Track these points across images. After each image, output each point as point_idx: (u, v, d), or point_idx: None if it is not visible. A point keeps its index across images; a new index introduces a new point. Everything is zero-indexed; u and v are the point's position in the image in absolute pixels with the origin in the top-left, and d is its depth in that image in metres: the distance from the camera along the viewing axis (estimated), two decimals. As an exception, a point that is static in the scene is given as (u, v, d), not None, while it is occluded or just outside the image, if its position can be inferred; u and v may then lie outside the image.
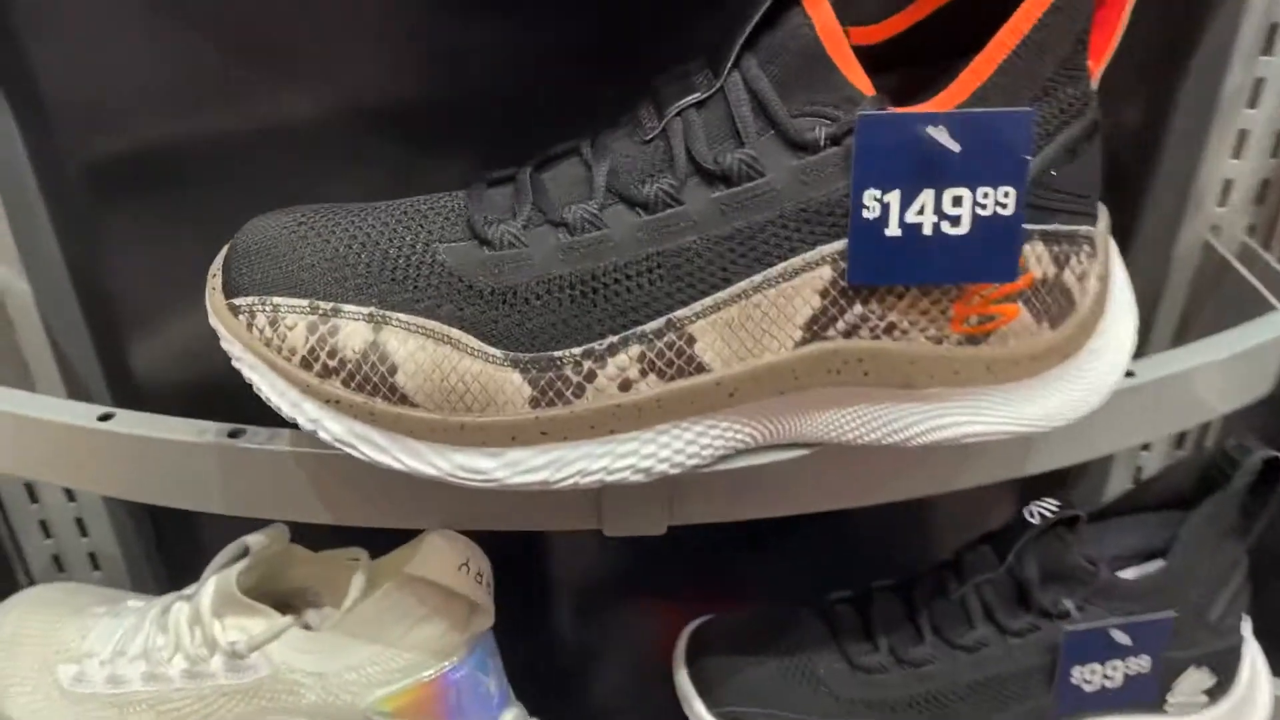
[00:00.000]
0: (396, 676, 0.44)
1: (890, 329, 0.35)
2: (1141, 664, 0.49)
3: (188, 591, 0.48)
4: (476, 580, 0.44)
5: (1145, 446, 0.61)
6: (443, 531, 0.44)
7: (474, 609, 0.45)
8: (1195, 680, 0.51)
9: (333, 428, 0.35)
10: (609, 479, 0.36)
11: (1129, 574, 0.51)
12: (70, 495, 0.56)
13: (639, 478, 0.36)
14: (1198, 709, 0.51)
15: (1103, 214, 0.38)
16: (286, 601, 0.48)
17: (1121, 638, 0.48)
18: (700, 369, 0.35)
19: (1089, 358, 0.38)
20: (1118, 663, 0.49)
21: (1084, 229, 0.37)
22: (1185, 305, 0.57)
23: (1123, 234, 0.47)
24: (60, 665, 0.48)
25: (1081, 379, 0.38)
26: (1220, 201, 0.56)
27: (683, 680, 0.52)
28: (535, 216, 0.35)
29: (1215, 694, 0.51)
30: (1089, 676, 0.49)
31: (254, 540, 0.46)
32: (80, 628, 0.50)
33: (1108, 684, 0.49)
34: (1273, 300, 0.51)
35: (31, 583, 0.56)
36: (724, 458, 0.38)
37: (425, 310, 0.34)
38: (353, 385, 0.34)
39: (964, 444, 0.38)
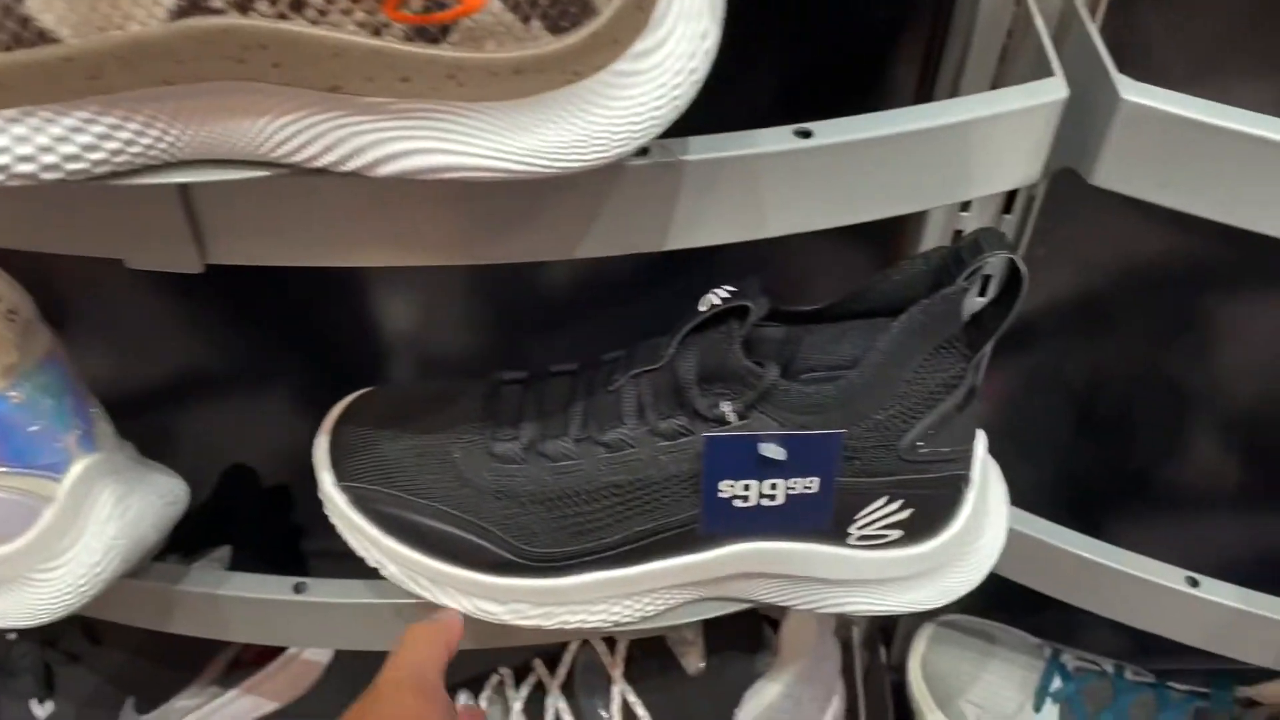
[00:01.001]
0: (-80, 402, 0.40)
1: (300, 6, 0.26)
2: (808, 485, 0.41)
3: None
4: (-11, 305, 0.38)
5: (965, 208, 0.50)
6: (-50, 245, 0.38)
7: (3, 340, 0.39)
8: (885, 513, 0.43)
9: None
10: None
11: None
12: None
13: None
14: (888, 545, 0.44)
15: None
16: None
17: (774, 452, 0.40)
18: (43, 37, 0.27)
19: (620, 80, 0.28)
20: (777, 481, 0.41)
21: None
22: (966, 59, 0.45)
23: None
24: None
25: (609, 108, 0.29)
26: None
27: (319, 448, 0.46)
28: None
29: (916, 533, 0.43)
30: (741, 492, 0.41)
31: None
32: None
33: (766, 503, 0.42)
34: (1053, 61, 0.39)
35: None
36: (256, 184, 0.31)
37: None
38: None
39: (452, 178, 0.29)
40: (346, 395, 0.68)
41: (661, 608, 0.46)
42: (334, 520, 0.45)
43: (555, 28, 0.27)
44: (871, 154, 0.37)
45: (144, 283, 0.64)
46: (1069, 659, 0.62)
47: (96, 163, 0.29)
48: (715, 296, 0.41)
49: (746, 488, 0.41)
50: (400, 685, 0.39)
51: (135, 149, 0.29)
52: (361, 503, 0.44)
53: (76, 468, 0.42)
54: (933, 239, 0.52)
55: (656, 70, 0.29)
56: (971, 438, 0.44)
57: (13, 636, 0.59)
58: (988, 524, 0.46)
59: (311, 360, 0.68)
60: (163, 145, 0.29)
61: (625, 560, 0.43)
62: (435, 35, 0.27)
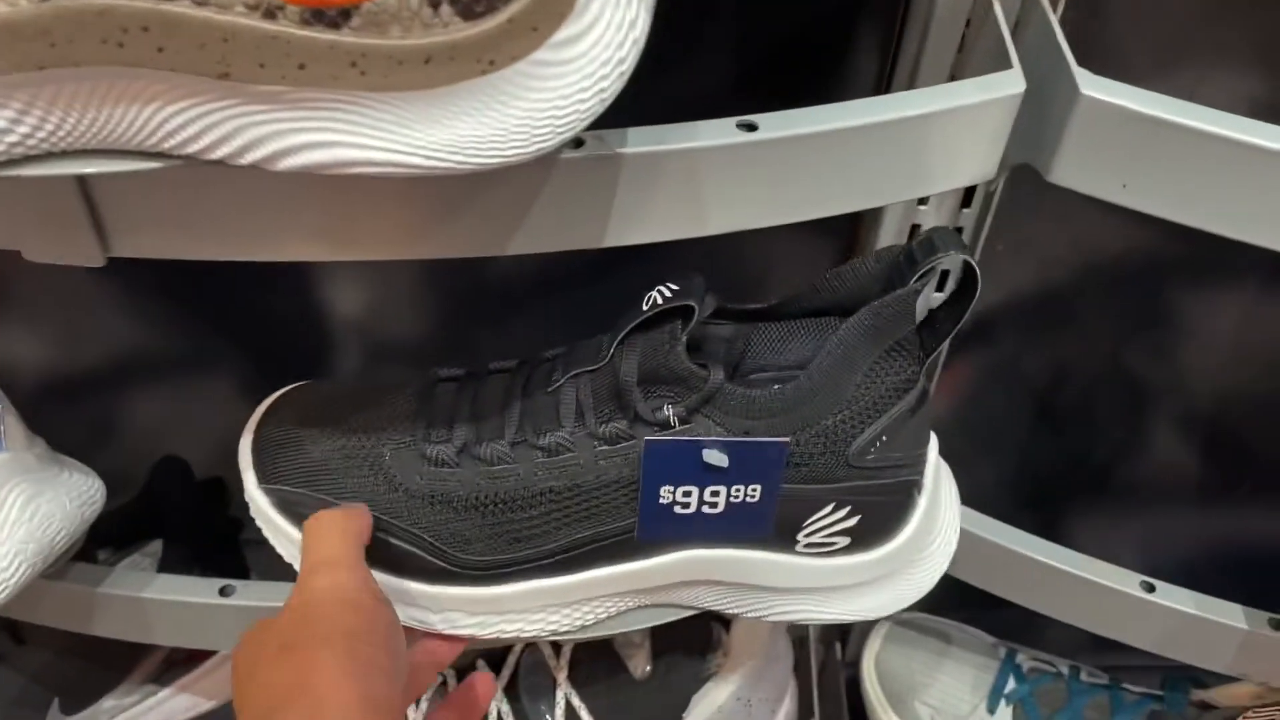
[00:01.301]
0: None
1: (185, -15, 0.24)
2: (751, 492, 0.39)
3: None
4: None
5: (923, 202, 0.49)
6: None
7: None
8: (832, 521, 0.41)
9: None
10: None
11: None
12: None
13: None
14: (836, 552, 0.42)
15: None
16: None
17: (717, 459, 0.38)
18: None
19: (539, 71, 0.26)
20: (719, 488, 0.39)
21: None
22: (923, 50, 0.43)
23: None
24: None
25: (528, 100, 0.26)
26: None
27: (243, 447, 0.44)
28: None
29: (865, 540, 0.42)
30: (681, 498, 0.40)
31: None
32: None
33: (707, 509, 0.40)
34: (1012, 53, 0.37)
35: None
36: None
37: None
38: None
39: (357, 174, 0.27)
40: (282, 386, 0.65)
41: (602, 616, 0.44)
42: (259, 523, 0.43)
43: (468, 13, 0.25)
44: (821, 148, 0.35)
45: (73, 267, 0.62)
46: (1024, 659, 0.61)
47: (-24, 152, 0.26)
48: (659, 294, 0.39)
49: (687, 494, 0.40)
50: (332, 591, 0.35)
51: (12, 137, 0.26)
52: (285, 506, 0.42)
53: (-19, 468, 0.40)
54: (890, 233, 0.50)
55: (580, 60, 0.26)
56: (924, 442, 0.43)
57: None
58: (939, 529, 0.45)
59: (249, 349, 0.65)
60: (42, 134, 0.27)
61: (563, 568, 0.42)
62: (335, 20, 0.25)
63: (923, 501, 0.43)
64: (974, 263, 0.37)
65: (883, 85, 0.47)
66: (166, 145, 0.27)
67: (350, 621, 0.34)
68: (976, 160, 0.38)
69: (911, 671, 0.62)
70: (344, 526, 0.38)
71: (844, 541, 0.42)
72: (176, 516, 0.58)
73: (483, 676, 0.46)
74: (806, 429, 0.39)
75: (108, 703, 0.59)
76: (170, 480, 0.59)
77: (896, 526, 0.42)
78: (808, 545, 0.42)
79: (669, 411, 0.38)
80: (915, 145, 0.36)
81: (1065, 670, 0.60)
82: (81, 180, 0.32)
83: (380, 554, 0.41)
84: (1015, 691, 0.59)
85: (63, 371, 0.62)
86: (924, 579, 0.45)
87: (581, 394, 0.40)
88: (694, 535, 0.41)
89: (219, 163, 0.28)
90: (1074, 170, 0.37)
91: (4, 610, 0.43)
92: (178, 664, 0.61)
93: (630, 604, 0.45)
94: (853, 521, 0.41)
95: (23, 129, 0.26)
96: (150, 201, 0.33)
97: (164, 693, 0.61)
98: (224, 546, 0.61)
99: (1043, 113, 0.37)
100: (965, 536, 0.51)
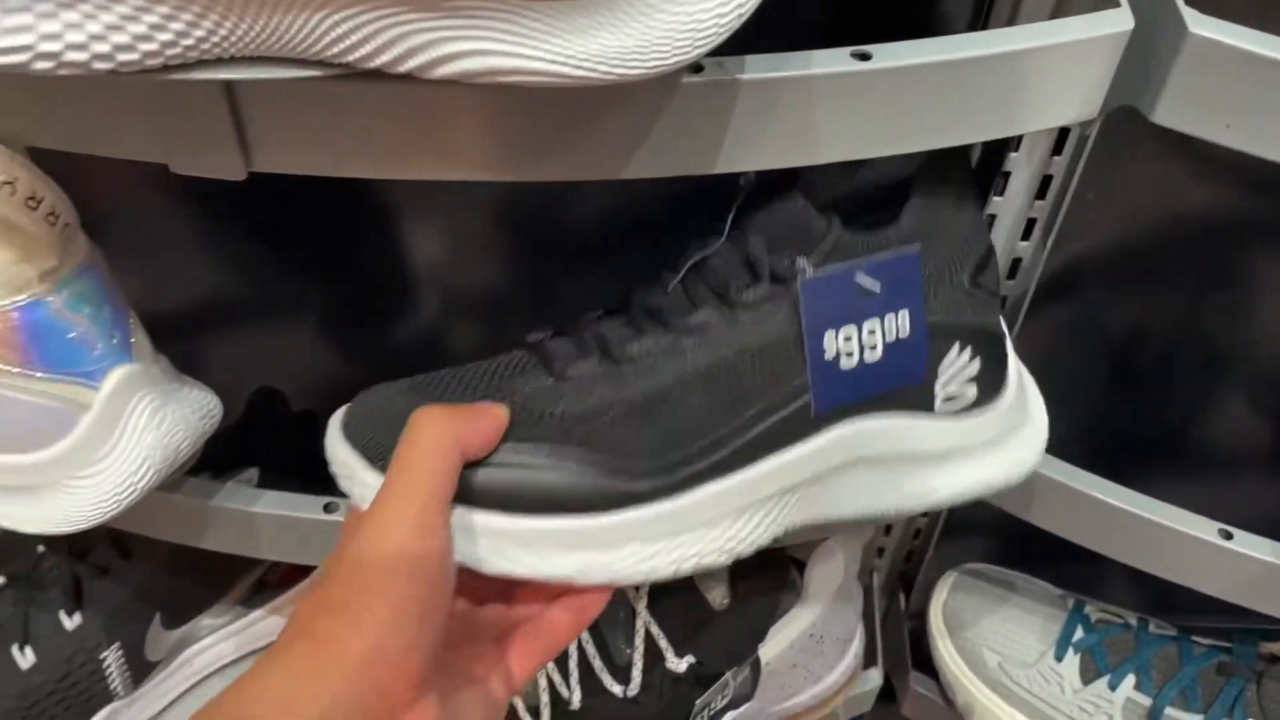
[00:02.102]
0: (-42, 304, 0.40)
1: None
2: (901, 325, 0.40)
3: None
4: (28, 206, 0.38)
5: (1015, 147, 0.49)
6: (-9, 143, 0.37)
7: (42, 243, 0.39)
8: (960, 366, 0.43)
9: None
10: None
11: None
12: None
13: None
14: (968, 407, 0.44)
15: None
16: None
17: (869, 282, 0.39)
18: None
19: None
20: (875, 324, 0.40)
21: None
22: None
23: None
24: None
25: (672, 13, 0.28)
26: None
27: (333, 441, 0.42)
28: None
29: (985, 391, 0.44)
30: (846, 347, 0.40)
31: None
32: None
33: (869, 358, 0.40)
34: (1121, -9, 0.38)
35: None
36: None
37: None
38: None
39: (507, 82, 0.28)
40: (370, 323, 0.68)
41: (775, 526, 0.42)
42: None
43: (619, -75, 0.26)
44: (930, 80, 0.36)
45: (181, 203, 0.64)
46: (1092, 610, 0.62)
47: (148, 54, 0.28)
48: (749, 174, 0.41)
49: (848, 339, 0.39)
50: (380, 547, 0.32)
51: (189, 41, 0.28)
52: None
53: (114, 377, 0.42)
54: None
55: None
56: (999, 285, 0.46)
57: (41, 549, 0.60)
58: (1028, 390, 0.48)
59: (338, 289, 0.68)
60: (216, 39, 0.29)
61: (739, 461, 0.40)
62: (497, -71, 0.26)
63: (1010, 351, 0.46)
64: None
65: (980, 22, 0.48)
66: (328, 53, 0.29)
67: (391, 586, 0.32)
68: (1081, 98, 0.39)
69: (978, 619, 0.63)
70: (437, 434, 0.35)
71: (972, 392, 0.44)
72: (272, 445, 0.60)
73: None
74: (925, 261, 0.40)
75: (205, 620, 0.61)
76: (267, 410, 0.62)
77: (1002, 376, 0.45)
78: (945, 400, 0.43)
79: (803, 263, 0.39)
80: (1023, 80, 0.37)
81: (1134, 621, 0.61)
82: (230, 91, 0.34)
83: (541, 494, 0.38)
84: (1083, 640, 0.60)
85: (169, 306, 0.65)
86: (1033, 442, 0.47)
87: (707, 278, 0.40)
88: (862, 393, 0.41)
89: (370, 73, 0.30)
90: (1178, 110, 0.38)
91: (121, 520, 0.46)
92: (269, 586, 0.64)
93: (798, 513, 0.42)
94: (974, 367, 0.43)
95: (198, 33, 0.28)
96: (294, 115, 0.34)
97: (255, 614, 0.64)
98: (315, 475, 0.63)
99: (1147, 52, 0.38)
100: (1043, 482, 0.52)
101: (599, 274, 0.66)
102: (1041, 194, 0.50)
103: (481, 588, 0.40)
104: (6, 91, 0.36)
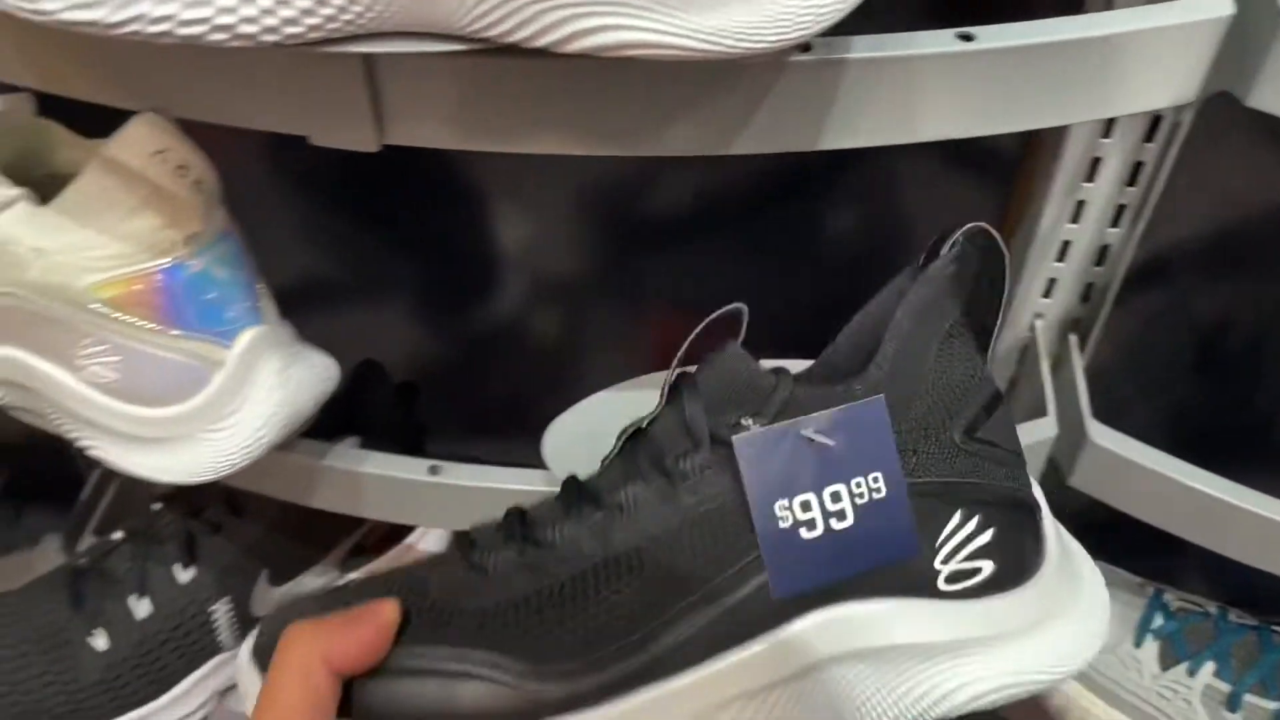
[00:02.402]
0: (109, 264, 0.43)
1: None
2: (874, 484, 0.35)
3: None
4: (179, 174, 0.41)
5: (1107, 135, 0.50)
6: (148, 115, 0.40)
7: (188, 208, 0.42)
8: (964, 537, 0.37)
9: None
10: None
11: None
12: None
13: None
14: (983, 586, 0.37)
15: None
16: (51, 186, 0.47)
17: (823, 440, 0.34)
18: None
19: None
20: (839, 488, 0.35)
21: None
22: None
23: None
24: None
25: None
26: None
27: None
28: None
29: (1007, 567, 0.37)
30: (803, 515, 0.34)
31: (-14, 102, 0.44)
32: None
33: (836, 526, 0.35)
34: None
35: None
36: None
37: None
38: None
39: (637, 55, 0.30)
40: (465, 301, 0.70)
41: None
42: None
43: (751, -92, 0.28)
44: (1031, 62, 0.37)
45: (291, 183, 0.68)
46: (1171, 598, 0.62)
47: (311, 28, 0.31)
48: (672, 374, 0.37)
49: (806, 506, 0.34)
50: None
51: (348, 15, 0.31)
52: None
53: (245, 337, 0.45)
54: (1068, 168, 0.52)
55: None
56: (1019, 447, 0.39)
57: (157, 507, 0.63)
58: (1078, 563, 0.41)
59: (438, 269, 0.70)
60: (372, 14, 0.31)
61: (680, 661, 0.34)
62: (637, -88, 0.28)
63: (1047, 521, 0.40)
64: (996, 235, 0.38)
65: (1073, 5, 0.49)
66: (470, 29, 0.31)
67: None
68: (1178, 83, 0.40)
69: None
70: (301, 656, 0.32)
71: (988, 569, 0.37)
72: (373, 414, 0.63)
73: None
74: (898, 415, 0.36)
75: (307, 579, 0.64)
76: (369, 381, 0.65)
77: (1034, 550, 0.39)
78: (950, 580, 0.37)
79: (749, 423, 0.35)
80: (1123, 63, 0.38)
81: (1213, 610, 0.61)
82: (369, 65, 0.36)
83: (439, 708, 0.33)
84: (1162, 628, 0.61)
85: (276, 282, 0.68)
86: (1084, 629, 0.39)
87: (647, 447, 0.36)
88: (838, 571, 0.35)
89: (504, 49, 0.32)
90: (1274, 94, 0.39)
91: (236, 478, 0.48)
92: (366, 550, 0.67)
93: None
94: (986, 538, 0.37)
95: (356, 9, 0.31)
96: (427, 89, 0.37)
97: (351, 576, 0.67)
98: (413, 446, 0.66)
99: (1245, 36, 0.39)
100: (1133, 468, 0.52)
101: (679, 260, 0.69)
102: (1132, 181, 0.51)
103: None
104: (160, 67, 0.39)
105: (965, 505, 0.36)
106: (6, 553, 0.68)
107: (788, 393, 0.35)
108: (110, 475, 0.75)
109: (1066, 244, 0.54)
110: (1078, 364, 0.55)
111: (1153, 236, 0.52)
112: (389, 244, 0.71)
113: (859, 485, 0.35)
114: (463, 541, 0.37)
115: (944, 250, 0.37)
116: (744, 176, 0.65)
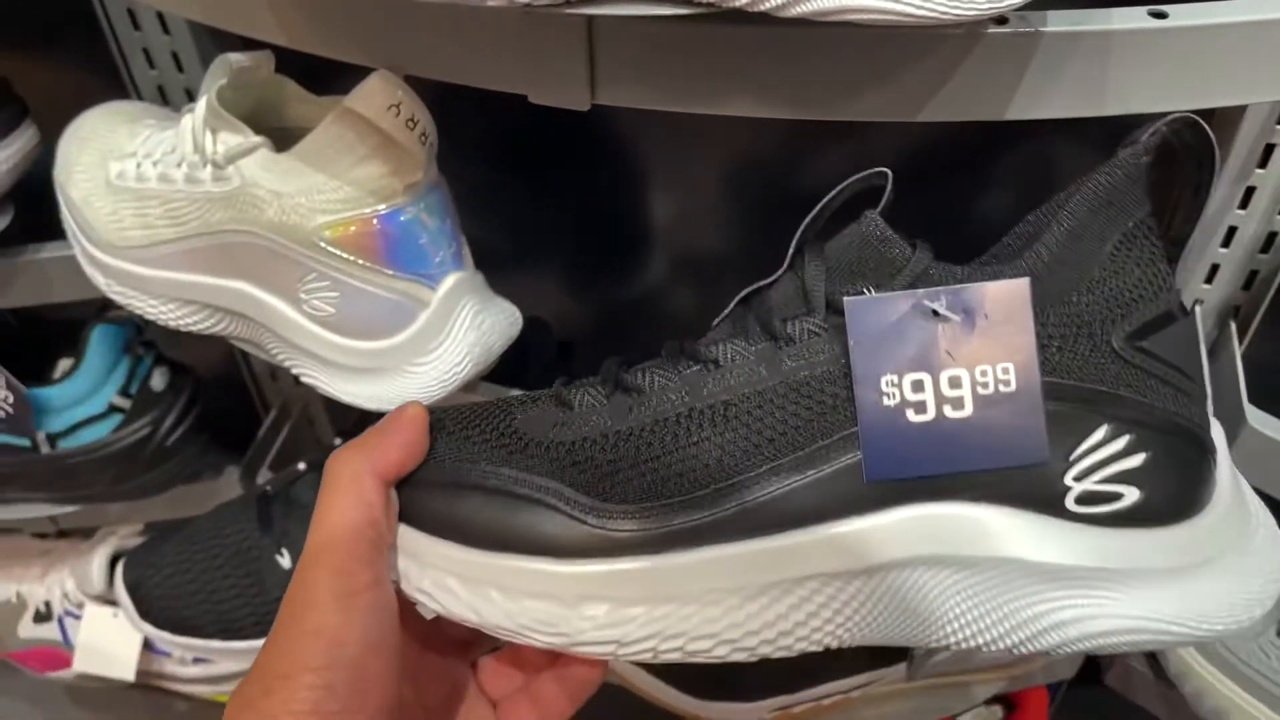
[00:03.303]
0: (337, 207, 0.47)
1: None
2: (1003, 378, 0.31)
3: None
4: (408, 126, 0.45)
5: None
6: (384, 73, 0.45)
7: (412, 159, 0.46)
8: (1107, 455, 0.32)
9: None
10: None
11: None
12: (165, 28, 0.62)
13: None
14: (1123, 515, 0.32)
15: None
16: (283, 136, 0.52)
17: (951, 316, 0.30)
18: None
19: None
20: (959, 372, 0.31)
21: None
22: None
23: None
24: (111, 162, 0.55)
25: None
26: None
27: None
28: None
29: (1155, 497, 0.32)
30: (911, 394, 0.30)
31: (235, 58, 0.48)
32: (132, 134, 0.56)
33: (951, 414, 0.30)
34: None
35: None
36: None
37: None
38: None
39: (856, 23, 0.33)
40: (624, 268, 0.74)
41: (815, 628, 0.32)
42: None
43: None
44: (1224, 39, 0.38)
45: (467, 151, 0.72)
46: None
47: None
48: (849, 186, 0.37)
49: (918, 386, 0.31)
50: (300, 623, 0.31)
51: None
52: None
53: (449, 281, 0.49)
54: (1240, 153, 0.52)
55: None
56: (1199, 369, 0.34)
57: (302, 467, 0.68)
58: (1252, 508, 0.35)
59: (590, 238, 0.74)
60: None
61: (752, 526, 0.32)
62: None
63: (1224, 466, 0.35)
64: (1204, 125, 0.35)
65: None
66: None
67: (315, 661, 0.30)
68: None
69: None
70: (349, 476, 0.32)
71: (1133, 496, 0.32)
72: (537, 367, 0.67)
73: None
74: (1052, 306, 0.32)
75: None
76: (535, 338, 0.69)
77: (1199, 484, 0.34)
78: (1081, 500, 0.32)
79: (867, 290, 0.32)
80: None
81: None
82: (590, 28, 0.40)
83: (502, 526, 0.32)
84: (1309, 620, 0.60)
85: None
86: (1248, 585, 0.33)
87: (757, 309, 0.35)
88: (942, 466, 0.31)
89: (719, 15, 0.35)
90: None
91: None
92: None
93: (856, 619, 0.33)
94: (1135, 460, 0.32)
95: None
96: (640, 53, 0.40)
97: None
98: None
99: None
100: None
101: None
102: (1306, 167, 0.51)
103: (478, 641, 0.38)
104: (394, 28, 0.44)
105: (1115, 421, 0.32)
106: (195, 480, 0.74)
107: (922, 267, 0.32)
108: (285, 416, 0.81)
109: (1233, 230, 0.55)
110: (1236, 350, 0.56)
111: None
112: (562, 214, 0.75)
113: (984, 374, 0.31)
114: (563, 384, 0.36)
115: (1142, 138, 0.33)
116: (893, 155, 0.67)
